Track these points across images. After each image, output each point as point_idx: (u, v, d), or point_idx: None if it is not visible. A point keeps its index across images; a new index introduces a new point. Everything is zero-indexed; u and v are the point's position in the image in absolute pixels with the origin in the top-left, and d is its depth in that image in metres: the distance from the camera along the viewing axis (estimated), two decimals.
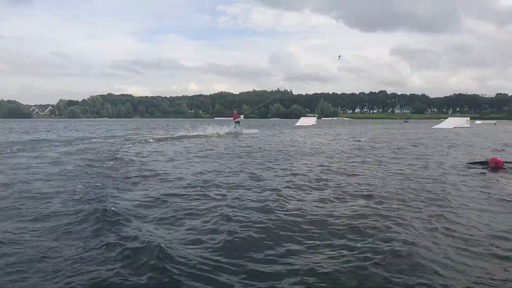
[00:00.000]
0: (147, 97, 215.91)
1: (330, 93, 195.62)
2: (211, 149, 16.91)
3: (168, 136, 26.93)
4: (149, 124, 65.16)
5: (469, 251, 4.32)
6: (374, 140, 24.60)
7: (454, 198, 6.96)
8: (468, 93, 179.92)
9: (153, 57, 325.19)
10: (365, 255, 4.12)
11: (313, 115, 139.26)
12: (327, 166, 11.34)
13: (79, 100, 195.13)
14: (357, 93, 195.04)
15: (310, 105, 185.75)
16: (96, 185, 7.93)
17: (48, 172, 9.87)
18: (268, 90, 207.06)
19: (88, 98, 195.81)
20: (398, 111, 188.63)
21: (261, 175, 9.46)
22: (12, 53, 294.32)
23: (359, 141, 23.43)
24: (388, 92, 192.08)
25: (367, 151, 16.19)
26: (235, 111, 39.87)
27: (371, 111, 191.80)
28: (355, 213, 5.87)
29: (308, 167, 11.12)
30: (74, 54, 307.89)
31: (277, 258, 4.09)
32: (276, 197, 6.85)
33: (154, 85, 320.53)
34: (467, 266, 3.90)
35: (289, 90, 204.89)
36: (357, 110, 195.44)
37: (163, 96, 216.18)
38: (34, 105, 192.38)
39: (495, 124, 71.25)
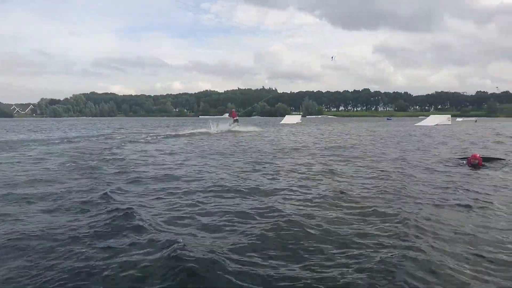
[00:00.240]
0: (131, 95, 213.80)
1: (315, 91, 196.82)
2: (217, 147, 16.85)
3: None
4: (138, 123, 64.24)
5: (446, 250, 4.40)
6: (358, 138, 24.82)
7: (433, 195, 7.07)
8: (449, 91, 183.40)
9: (137, 55, 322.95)
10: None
11: (298, 113, 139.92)
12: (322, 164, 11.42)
13: (61, 99, 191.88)
14: (341, 91, 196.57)
15: (294, 103, 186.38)
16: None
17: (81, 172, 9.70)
18: (253, 89, 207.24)
19: (70, 97, 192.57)
20: (382, 109, 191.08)
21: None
22: None
23: (343, 138, 23.68)
24: (372, 90, 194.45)
25: (348, 149, 16.33)
26: (233, 110, 40.14)
27: (355, 109, 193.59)
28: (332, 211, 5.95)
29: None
30: (55, 52, 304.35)
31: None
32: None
33: (138, 84, 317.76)
34: (445, 267, 3.98)
35: (273, 89, 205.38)
36: (341, 108, 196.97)
37: (147, 94, 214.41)
38: (15, 104, 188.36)
39: (475, 121, 72.66)
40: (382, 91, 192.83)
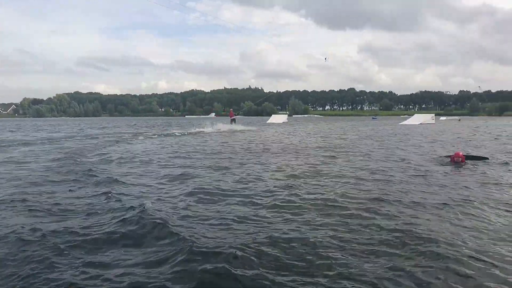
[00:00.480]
0: (116, 95, 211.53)
1: (301, 90, 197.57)
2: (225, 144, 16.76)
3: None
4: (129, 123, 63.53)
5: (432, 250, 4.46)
6: (345, 138, 25.01)
7: (417, 192, 7.15)
8: (433, 91, 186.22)
9: (121, 54, 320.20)
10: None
11: (284, 112, 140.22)
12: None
13: (44, 99, 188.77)
14: (327, 90, 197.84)
15: (281, 103, 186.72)
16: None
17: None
18: (239, 88, 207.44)
19: (53, 97, 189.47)
20: (367, 108, 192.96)
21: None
22: None
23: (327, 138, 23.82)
24: (357, 90, 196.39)
25: (335, 148, 16.43)
26: (231, 110, 42.16)
27: (341, 108, 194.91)
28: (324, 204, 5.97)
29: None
30: (38, 51, 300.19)
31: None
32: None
33: (123, 83, 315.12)
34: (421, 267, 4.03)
35: (260, 88, 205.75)
36: (327, 107, 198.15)
37: (132, 94, 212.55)
38: None
39: (459, 120, 73.75)
40: (367, 91, 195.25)
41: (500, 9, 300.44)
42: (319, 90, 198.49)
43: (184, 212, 5.79)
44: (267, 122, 60.06)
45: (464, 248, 4.25)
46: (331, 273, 3.68)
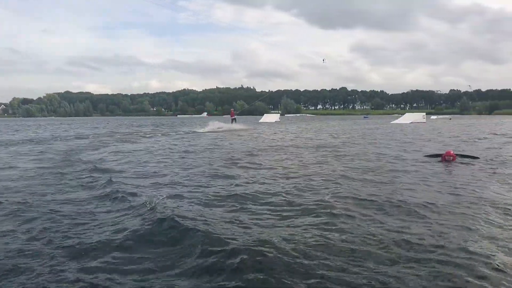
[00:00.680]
0: (107, 94, 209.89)
1: (293, 90, 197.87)
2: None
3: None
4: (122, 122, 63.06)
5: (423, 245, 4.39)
6: (336, 136, 25.04)
7: (409, 190, 7.12)
8: (424, 90, 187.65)
9: (112, 54, 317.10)
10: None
11: (277, 112, 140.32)
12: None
13: (34, 98, 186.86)
14: (319, 89, 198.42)
15: (273, 102, 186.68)
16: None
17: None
18: (231, 87, 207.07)
19: (44, 96, 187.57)
20: (359, 107, 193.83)
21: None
22: None
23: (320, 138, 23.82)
24: (349, 89, 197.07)
25: (326, 148, 16.40)
26: (232, 109, 42.94)
27: (333, 108, 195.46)
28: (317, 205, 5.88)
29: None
30: (28, 50, 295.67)
31: None
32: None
33: (114, 83, 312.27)
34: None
35: (252, 87, 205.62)
36: (319, 106, 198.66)
37: (123, 93, 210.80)
38: None
39: (450, 119, 74.38)
40: (359, 90, 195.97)
41: (489, 8, 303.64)
42: (311, 89, 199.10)
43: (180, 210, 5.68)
44: (260, 121, 59.73)
45: (450, 251, 4.19)
46: (319, 274, 3.59)
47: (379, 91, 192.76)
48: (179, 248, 4.32)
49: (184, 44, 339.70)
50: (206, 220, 5.21)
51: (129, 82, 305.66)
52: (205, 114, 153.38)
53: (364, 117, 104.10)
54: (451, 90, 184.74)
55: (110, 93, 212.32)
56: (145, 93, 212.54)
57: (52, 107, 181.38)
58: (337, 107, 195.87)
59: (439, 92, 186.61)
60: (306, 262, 3.83)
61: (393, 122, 53.96)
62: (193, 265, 3.84)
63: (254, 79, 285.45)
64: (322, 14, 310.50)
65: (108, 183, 7.90)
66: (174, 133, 28.58)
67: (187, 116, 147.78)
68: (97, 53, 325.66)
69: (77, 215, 5.66)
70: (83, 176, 9.03)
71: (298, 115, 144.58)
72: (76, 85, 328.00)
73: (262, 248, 4.11)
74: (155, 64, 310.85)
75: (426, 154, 12.71)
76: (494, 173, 9.23)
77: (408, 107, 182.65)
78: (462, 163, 10.80)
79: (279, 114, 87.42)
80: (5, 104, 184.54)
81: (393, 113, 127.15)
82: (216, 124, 32.86)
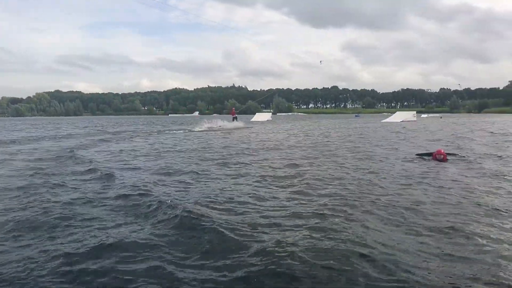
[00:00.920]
0: (97, 93, 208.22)
1: (284, 88, 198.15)
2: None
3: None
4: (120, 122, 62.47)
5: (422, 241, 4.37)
6: (327, 135, 25.12)
7: (398, 189, 7.12)
8: (414, 88, 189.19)
9: (102, 52, 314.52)
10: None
11: (268, 111, 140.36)
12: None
13: (24, 98, 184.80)
14: (310, 88, 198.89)
15: (265, 101, 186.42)
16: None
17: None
18: (223, 86, 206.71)
19: (33, 95, 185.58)
20: (350, 105, 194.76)
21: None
22: None
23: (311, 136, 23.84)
24: (340, 88, 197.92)
25: (319, 147, 16.40)
26: (233, 108, 43.11)
27: (325, 106, 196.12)
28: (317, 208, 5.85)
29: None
30: (16, 49, 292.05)
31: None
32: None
33: (104, 82, 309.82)
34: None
35: (243, 86, 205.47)
36: (311, 105, 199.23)
37: (114, 92, 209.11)
38: None
39: (440, 117, 74.84)
40: (350, 89, 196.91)
41: (477, 8, 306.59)
42: (302, 88, 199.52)
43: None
44: (251, 120, 59.42)
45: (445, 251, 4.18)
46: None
47: (370, 89, 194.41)
48: (179, 248, 4.27)
49: (175, 43, 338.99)
50: (228, 221, 5.17)
51: (120, 81, 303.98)
52: (196, 113, 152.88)
53: (356, 116, 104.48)
54: (441, 88, 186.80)
55: (100, 92, 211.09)
56: (136, 92, 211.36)
57: (42, 106, 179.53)
58: (328, 105, 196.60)
59: (429, 90, 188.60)
60: (294, 263, 3.80)
61: (384, 120, 54.17)
62: (194, 265, 3.79)
63: (246, 78, 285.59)
64: (313, 13, 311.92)
65: (105, 179, 7.84)
66: (176, 131, 29.47)
67: (179, 115, 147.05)
68: (87, 52, 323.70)
69: (72, 216, 5.54)
70: (79, 177, 8.91)
71: (290, 114, 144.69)
72: (66, 84, 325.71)
73: (262, 248, 4.06)
74: (146, 63, 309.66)
75: (417, 153, 12.74)
76: (483, 171, 9.27)
77: (399, 105, 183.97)
78: (453, 161, 10.84)
79: (270, 113, 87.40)
80: None
81: (384, 112, 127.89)
82: (219, 122, 33.10)
